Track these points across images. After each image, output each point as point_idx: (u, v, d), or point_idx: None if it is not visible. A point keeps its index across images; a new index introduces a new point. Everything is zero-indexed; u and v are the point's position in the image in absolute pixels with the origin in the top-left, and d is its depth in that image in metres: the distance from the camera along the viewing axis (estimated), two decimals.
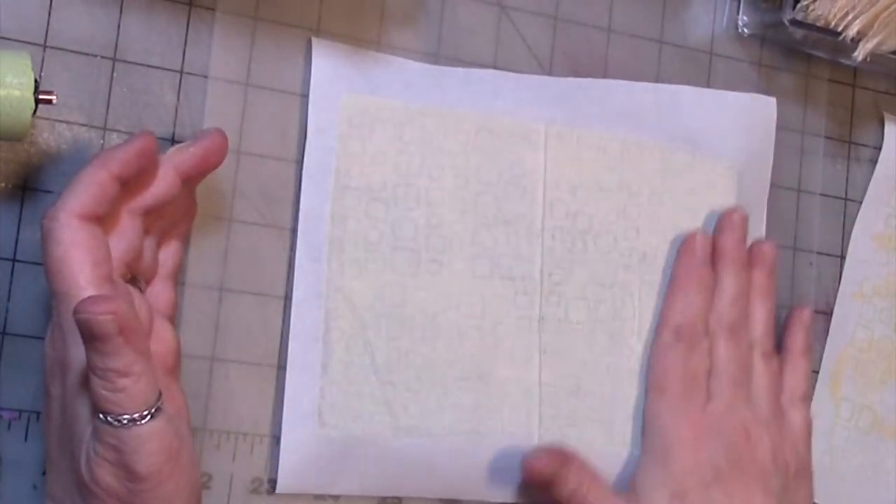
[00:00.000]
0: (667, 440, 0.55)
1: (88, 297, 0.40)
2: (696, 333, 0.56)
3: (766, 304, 0.58)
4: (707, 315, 0.56)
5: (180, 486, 0.42)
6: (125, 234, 0.45)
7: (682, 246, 0.57)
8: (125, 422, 0.40)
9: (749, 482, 0.54)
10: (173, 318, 0.49)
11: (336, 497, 0.53)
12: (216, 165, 0.48)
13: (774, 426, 0.56)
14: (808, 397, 0.59)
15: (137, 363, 0.40)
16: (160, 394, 0.42)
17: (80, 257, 0.42)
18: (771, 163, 0.61)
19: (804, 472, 0.58)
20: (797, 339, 0.59)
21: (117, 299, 0.40)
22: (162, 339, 0.47)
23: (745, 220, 0.58)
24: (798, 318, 0.60)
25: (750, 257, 0.58)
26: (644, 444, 0.56)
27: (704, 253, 0.57)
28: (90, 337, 0.39)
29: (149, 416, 0.41)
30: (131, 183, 0.45)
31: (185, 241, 0.50)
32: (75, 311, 0.39)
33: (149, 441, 0.41)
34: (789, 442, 0.57)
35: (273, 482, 0.51)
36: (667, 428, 0.55)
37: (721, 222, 0.58)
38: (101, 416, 0.41)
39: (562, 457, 0.53)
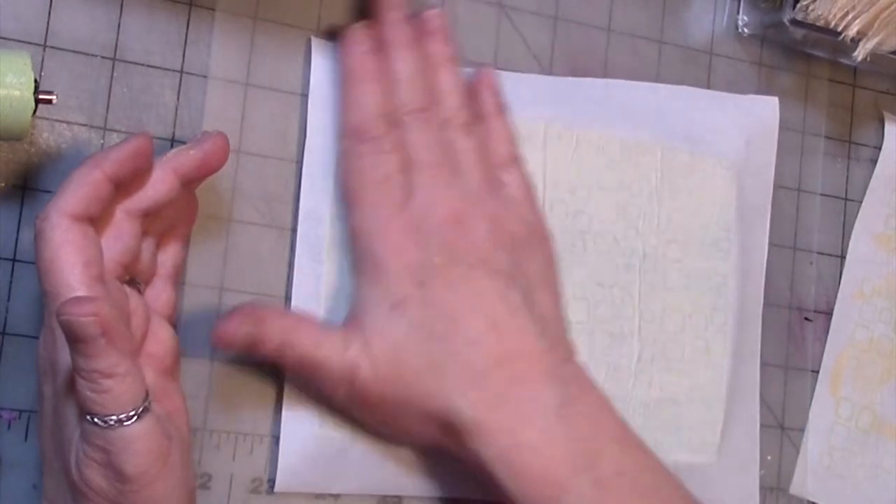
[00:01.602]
0: (374, 253, 0.49)
1: (71, 298, 0.40)
2: (378, 128, 0.50)
3: (450, 73, 0.52)
4: (387, 109, 0.51)
5: (170, 486, 0.42)
6: (121, 236, 0.45)
7: (342, 45, 0.52)
8: (111, 423, 0.40)
9: (469, 269, 0.49)
10: (173, 320, 0.49)
11: (336, 496, 0.53)
12: (216, 169, 0.47)
13: (491, 201, 0.51)
14: (516, 158, 0.53)
15: (122, 364, 0.40)
16: (147, 394, 0.42)
17: (70, 257, 0.42)
18: (774, 164, 0.61)
19: (534, 236, 0.52)
20: (486, 100, 0.54)
21: (100, 300, 0.40)
22: (160, 339, 0.47)
23: (399, 2, 0.53)
24: (482, 80, 0.54)
25: (420, 31, 0.52)
26: (354, 266, 0.51)
27: (366, 44, 0.52)
28: (73, 338, 0.39)
29: (135, 417, 0.41)
30: (127, 184, 0.45)
31: (186, 243, 0.50)
32: (58, 313, 0.39)
33: (136, 442, 0.41)
34: (511, 211, 0.52)
35: (273, 482, 0.51)
36: (371, 240, 0.50)
37: (379, 6, 0.53)
38: (87, 417, 0.41)
39: (256, 314, 0.48)
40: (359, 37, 0.52)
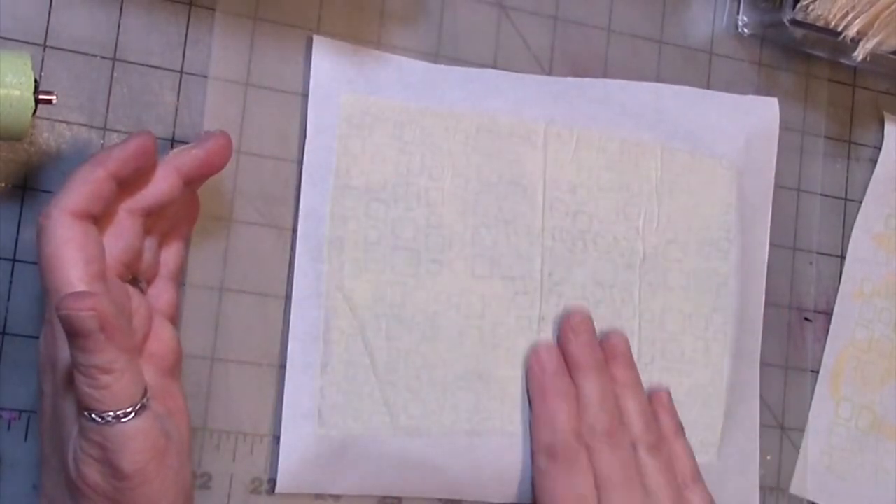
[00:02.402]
0: None
1: (70, 294, 0.40)
2: (570, 449, 0.53)
3: (637, 397, 0.55)
4: (577, 427, 0.53)
5: (167, 485, 0.42)
6: (124, 234, 0.45)
7: (530, 361, 0.55)
8: (109, 419, 0.40)
9: None
10: (175, 319, 0.49)
11: (336, 497, 0.53)
12: (219, 168, 0.48)
13: None
14: (697, 475, 0.56)
15: (120, 360, 0.40)
16: (146, 391, 0.42)
17: (71, 254, 0.42)
18: (774, 164, 0.61)
19: None
20: (666, 423, 0.56)
21: (99, 296, 0.40)
22: (162, 339, 0.47)
23: (587, 321, 0.55)
24: (658, 402, 0.57)
25: (605, 354, 0.56)
26: None
27: (555, 364, 0.54)
28: (72, 333, 0.39)
29: (133, 414, 0.41)
30: (130, 182, 0.45)
31: (188, 242, 0.50)
32: (57, 308, 0.39)
33: (133, 439, 0.41)
34: None
35: (273, 482, 0.52)
36: None
37: (563, 329, 0.55)
38: (85, 413, 0.41)
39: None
40: (548, 354, 0.55)
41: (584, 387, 0.54)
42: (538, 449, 0.54)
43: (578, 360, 0.55)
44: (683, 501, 0.55)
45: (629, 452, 0.54)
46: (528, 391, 0.55)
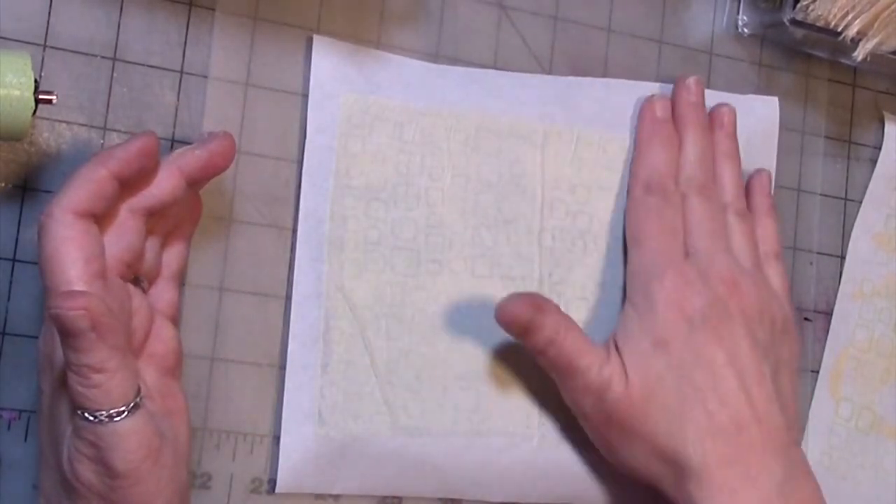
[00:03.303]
0: (650, 291, 0.53)
1: (62, 293, 0.40)
2: (667, 187, 0.55)
3: (733, 166, 0.57)
4: (675, 172, 0.56)
5: (162, 484, 0.42)
6: (125, 234, 0.45)
7: (643, 107, 0.57)
8: (102, 418, 0.40)
9: (736, 329, 0.53)
10: (176, 319, 0.49)
11: (336, 497, 0.53)
12: (223, 169, 0.47)
13: (759, 280, 0.55)
14: (781, 255, 0.58)
15: (112, 359, 0.40)
16: (139, 390, 0.42)
17: (71, 253, 0.42)
18: (775, 163, 0.61)
19: (789, 327, 0.56)
20: (761, 200, 0.58)
21: (91, 295, 0.40)
22: (162, 339, 0.47)
23: (700, 85, 0.58)
24: (758, 181, 0.59)
25: (710, 121, 0.58)
26: (628, 298, 0.55)
27: (665, 113, 0.57)
28: (64, 332, 0.40)
29: (126, 413, 0.41)
30: (132, 182, 0.45)
31: (190, 243, 0.50)
32: (49, 307, 0.39)
33: (126, 438, 0.41)
34: (774, 297, 0.56)
35: (273, 482, 0.52)
36: (649, 279, 0.54)
37: (678, 87, 0.58)
38: (78, 412, 0.41)
39: (537, 302, 0.51)
40: (662, 103, 0.57)
41: (686, 141, 0.56)
42: (635, 182, 0.56)
43: (686, 116, 0.57)
44: (761, 270, 0.56)
45: (720, 209, 0.56)
46: (636, 137, 0.57)
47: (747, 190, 0.59)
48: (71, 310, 0.39)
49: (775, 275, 0.57)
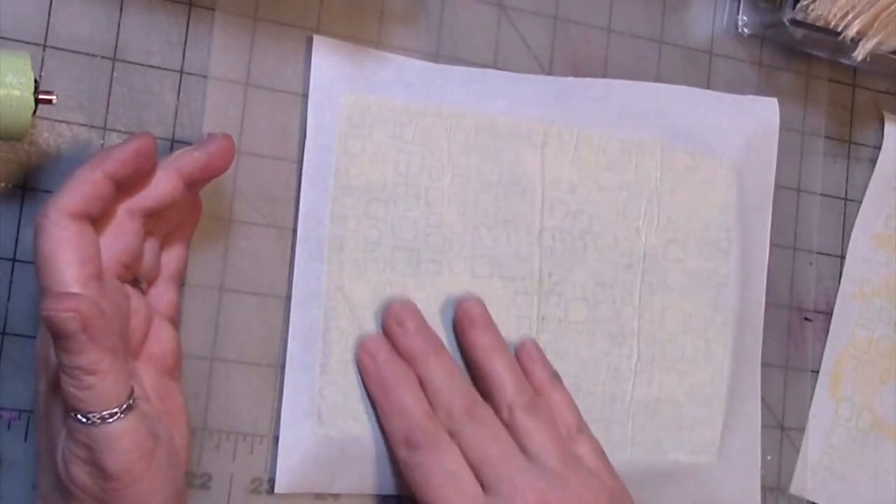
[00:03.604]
0: None
1: (53, 295, 0.40)
2: (429, 432, 0.50)
3: (501, 358, 0.53)
4: (430, 412, 0.51)
5: (156, 485, 0.42)
6: (123, 235, 0.45)
7: (359, 357, 0.52)
8: (94, 419, 0.40)
9: None
10: (175, 320, 0.49)
11: (336, 496, 0.53)
12: (221, 171, 0.47)
13: (573, 478, 0.50)
14: (581, 423, 0.53)
15: (104, 361, 0.40)
16: (132, 392, 0.42)
17: (66, 255, 0.42)
18: (774, 164, 0.61)
19: (623, 497, 0.52)
20: (538, 374, 0.54)
21: (82, 296, 0.40)
22: (161, 339, 0.47)
23: (410, 307, 0.53)
24: (525, 354, 0.54)
25: (460, 320, 0.53)
26: None
27: (386, 352, 0.52)
28: (55, 334, 0.40)
29: (119, 415, 0.41)
30: (130, 184, 0.45)
31: (189, 243, 0.50)
32: (40, 309, 0.39)
33: (119, 440, 0.41)
34: (593, 485, 0.51)
35: (273, 482, 0.51)
36: None
37: (386, 322, 0.53)
38: (71, 413, 0.41)
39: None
40: (380, 343, 0.52)
41: (425, 375, 0.51)
42: (395, 443, 0.51)
43: (412, 350, 0.52)
44: (570, 456, 0.52)
45: (496, 423, 0.51)
46: (366, 392, 0.52)
47: (522, 367, 0.53)
48: (61, 311, 0.39)
49: (588, 454, 0.53)
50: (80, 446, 0.41)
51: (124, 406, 0.41)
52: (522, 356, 0.54)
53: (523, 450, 0.51)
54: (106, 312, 0.41)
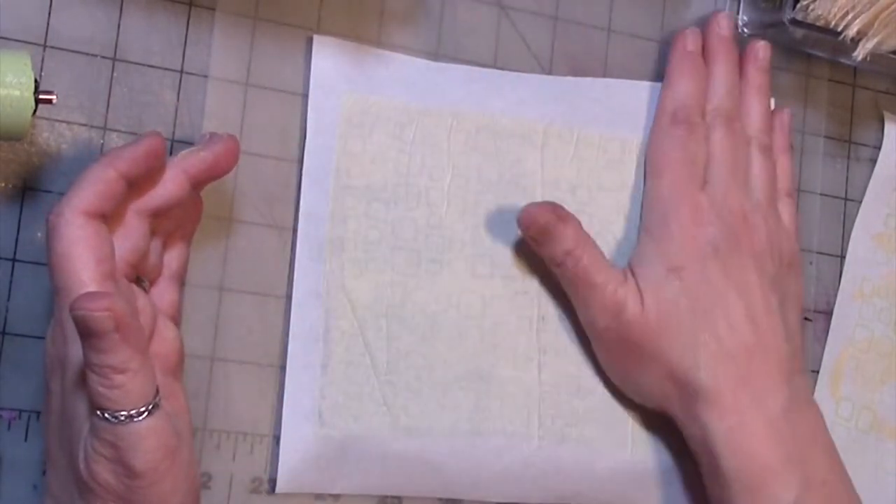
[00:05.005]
0: (666, 219, 0.55)
1: (85, 294, 0.40)
2: (693, 118, 0.56)
3: (762, 100, 0.59)
4: (702, 103, 0.57)
5: (178, 483, 0.42)
6: (131, 235, 0.45)
7: (674, 39, 0.59)
8: (122, 418, 0.40)
9: (745, 262, 0.55)
10: (177, 320, 0.49)
11: (336, 497, 0.53)
12: (226, 171, 0.48)
13: (770, 215, 0.57)
14: (794, 194, 0.59)
15: (134, 360, 0.40)
16: (158, 391, 0.42)
17: (83, 254, 0.42)
18: None
19: (796, 262, 0.58)
20: (781, 137, 0.60)
21: (114, 296, 0.40)
22: (165, 339, 0.47)
23: (731, 22, 0.59)
24: (779, 120, 0.60)
25: (745, 54, 0.59)
26: (643, 224, 0.56)
27: (695, 46, 0.58)
28: (87, 333, 0.39)
29: (146, 413, 0.41)
30: (139, 183, 0.45)
31: (190, 243, 0.50)
32: (72, 308, 0.39)
33: (146, 438, 0.41)
34: (783, 232, 0.57)
35: (273, 482, 0.52)
36: (666, 208, 0.55)
37: (709, 21, 0.59)
38: (98, 412, 0.41)
39: (560, 212, 0.53)
40: (693, 36, 0.58)
41: (714, 72, 0.58)
42: (662, 112, 0.57)
43: (716, 49, 0.58)
44: (773, 207, 0.57)
45: (744, 143, 0.57)
46: (666, 68, 0.58)
47: (772, 126, 0.60)
48: (96, 311, 0.39)
49: (786, 212, 0.58)
50: (106, 445, 0.41)
51: (151, 405, 0.41)
52: (777, 115, 0.60)
53: (745, 179, 0.57)
54: (135, 312, 0.41)
